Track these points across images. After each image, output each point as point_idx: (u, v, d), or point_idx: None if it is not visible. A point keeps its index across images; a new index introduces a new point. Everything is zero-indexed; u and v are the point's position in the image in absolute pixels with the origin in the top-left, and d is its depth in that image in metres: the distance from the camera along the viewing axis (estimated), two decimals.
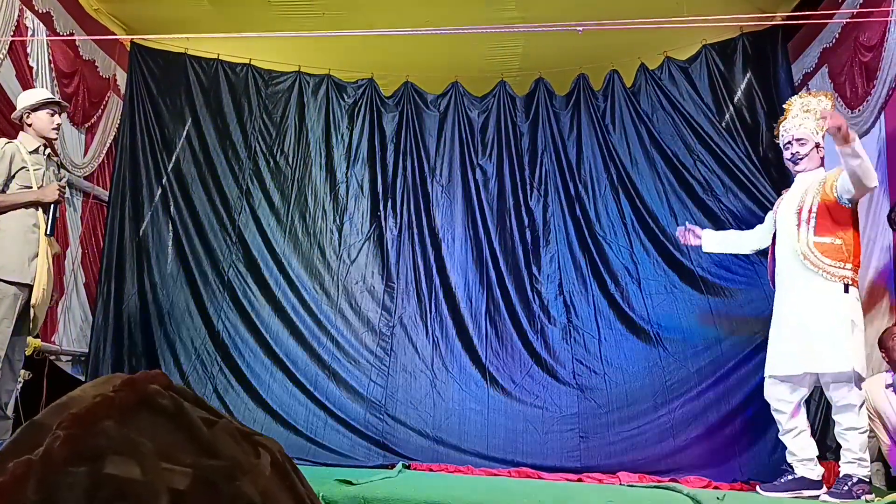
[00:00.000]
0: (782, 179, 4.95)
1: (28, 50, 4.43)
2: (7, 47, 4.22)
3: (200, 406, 0.46)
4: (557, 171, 5.42)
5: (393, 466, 4.45)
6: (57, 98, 3.95)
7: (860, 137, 4.31)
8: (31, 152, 3.65)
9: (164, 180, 5.41)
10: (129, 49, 5.55)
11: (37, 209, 3.60)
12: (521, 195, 5.43)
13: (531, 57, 5.63)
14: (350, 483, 3.16)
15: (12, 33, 4.27)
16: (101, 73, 5.34)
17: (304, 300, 5.26)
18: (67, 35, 4.90)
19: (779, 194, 4.87)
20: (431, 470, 4.55)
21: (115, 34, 5.46)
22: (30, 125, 3.71)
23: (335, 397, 4.98)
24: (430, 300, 5.26)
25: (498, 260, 5.30)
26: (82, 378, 4.93)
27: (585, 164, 5.38)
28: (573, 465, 4.61)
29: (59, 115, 3.82)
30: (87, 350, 5.02)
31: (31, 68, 4.43)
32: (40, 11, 4.62)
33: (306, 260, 5.38)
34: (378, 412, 4.92)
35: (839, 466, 3.54)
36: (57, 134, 3.82)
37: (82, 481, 0.37)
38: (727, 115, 5.16)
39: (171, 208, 5.37)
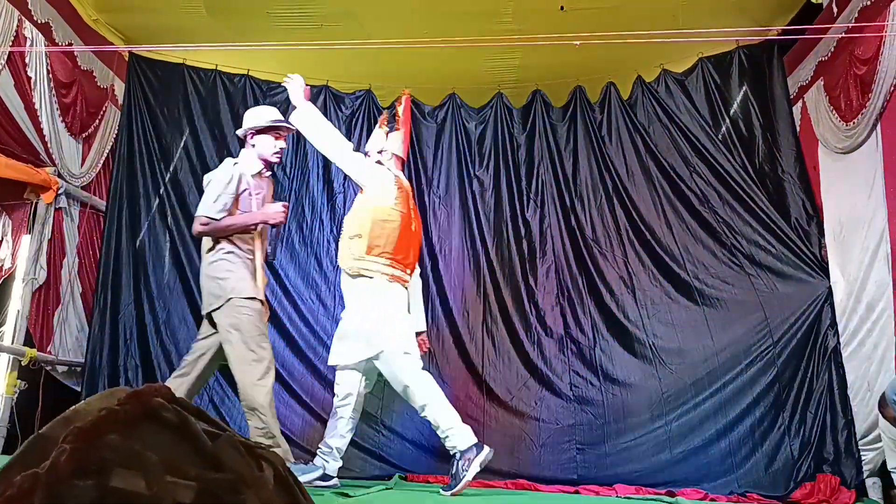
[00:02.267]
0: (778, 192, 4.98)
1: (27, 60, 4.43)
2: (6, 57, 4.22)
3: (203, 419, 0.46)
4: (554, 182, 5.42)
5: (389, 478, 4.44)
6: (284, 121, 3.76)
7: (856, 150, 4.33)
8: (252, 175, 3.56)
9: (161, 190, 5.40)
10: (127, 59, 5.56)
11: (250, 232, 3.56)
12: (517, 206, 5.43)
13: (528, 69, 5.65)
14: (346, 495, 3.15)
15: (11, 44, 4.27)
16: (98, 83, 5.35)
17: (300, 311, 5.24)
18: (66, 45, 4.90)
19: (775, 206, 4.90)
20: (428, 481, 4.54)
21: (114, 44, 5.46)
22: (253, 146, 3.60)
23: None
24: (427, 311, 5.24)
25: (495, 271, 5.29)
26: (78, 388, 4.90)
27: (582, 175, 5.38)
28: (570, 477, 4.60)
29: (285, 138, 3.70)
30: (83, 360, 4.99)
31: (29, 78, 4.43)
32: (39, 22, 4.63)
33: (303, 270, 5.37)
34: (374, 423, 4.90)
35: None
36: (279, 158, 3.69)
37: (88, 494, 0.38)
38: (723, 128, 5.18)
39: (169, 218, 5.36)
